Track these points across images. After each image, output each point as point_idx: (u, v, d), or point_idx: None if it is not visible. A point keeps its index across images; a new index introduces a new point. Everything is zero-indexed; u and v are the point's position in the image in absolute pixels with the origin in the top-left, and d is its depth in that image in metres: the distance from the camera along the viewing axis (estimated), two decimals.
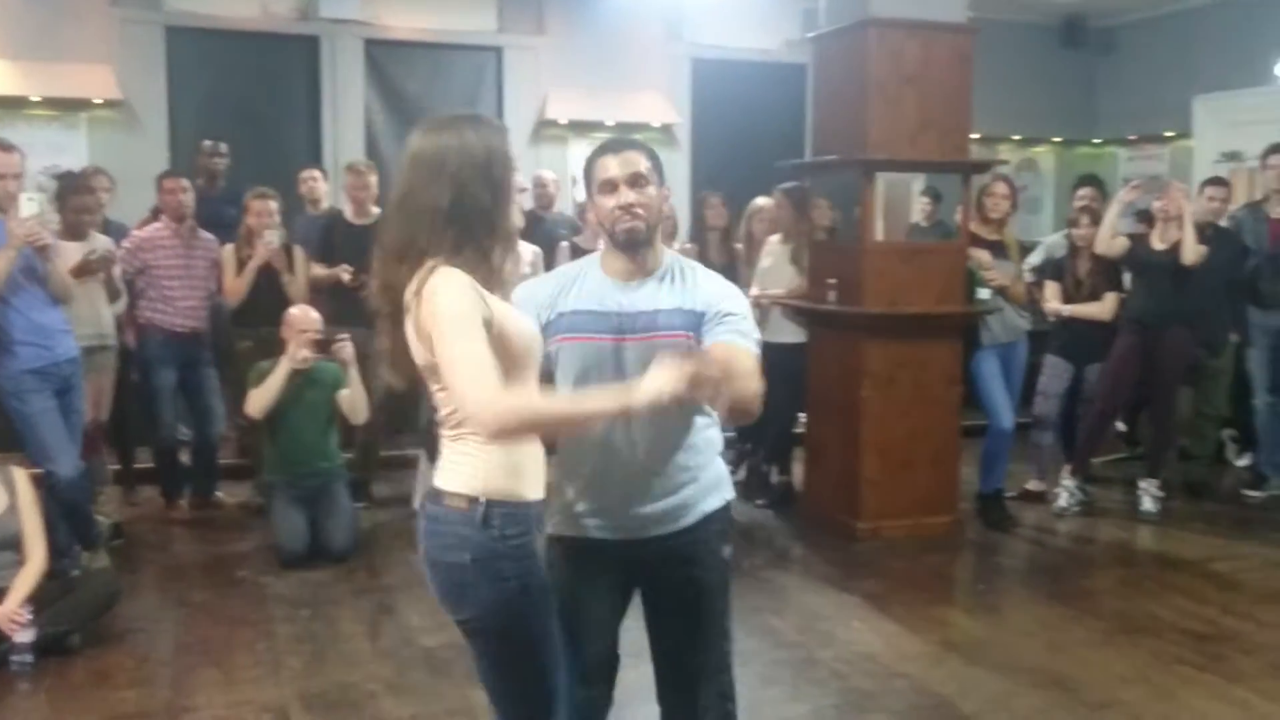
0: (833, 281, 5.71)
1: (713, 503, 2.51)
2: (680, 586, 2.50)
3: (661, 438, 2.41)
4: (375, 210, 6.24)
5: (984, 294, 5.74)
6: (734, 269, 6.42)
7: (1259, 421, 6.52)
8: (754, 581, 4.96)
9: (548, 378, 2.36)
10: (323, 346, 5.33)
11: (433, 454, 2.26)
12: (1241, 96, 8.95)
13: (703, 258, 6.14)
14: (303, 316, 5.37)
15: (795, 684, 3.91)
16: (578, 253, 6.77)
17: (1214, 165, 8.98)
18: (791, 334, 6.19)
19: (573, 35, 8.91)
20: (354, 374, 5.39)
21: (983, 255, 5.73)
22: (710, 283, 2.47)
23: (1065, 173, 9.68)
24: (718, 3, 9.01)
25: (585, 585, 2.47)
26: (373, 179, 6.30)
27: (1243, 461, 7.12)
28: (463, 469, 2.15)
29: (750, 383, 2.27)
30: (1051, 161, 10.61)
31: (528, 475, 2.19)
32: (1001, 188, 5.88)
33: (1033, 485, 6.43)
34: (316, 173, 7.27)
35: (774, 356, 6.32)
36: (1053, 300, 6.19)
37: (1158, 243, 5.90)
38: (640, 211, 2.38)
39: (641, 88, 9.10)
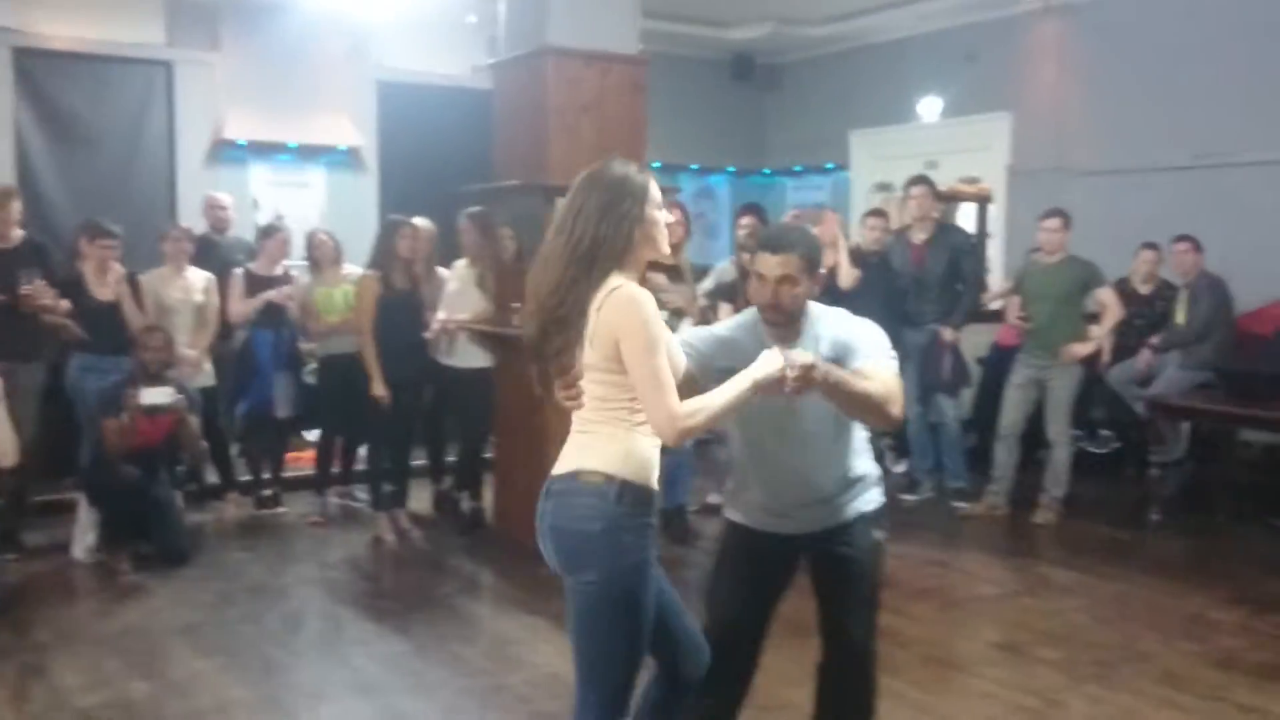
0: (517, 306, 5.75)
1: (864, 506, 3.05)
2: (834, 560, 3.05)
3: (819, 456, 2.95)
4: (18, 234, 5.74)
5: (661, 316, 5.93)
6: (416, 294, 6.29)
7: (909, 431, 7.09)
8: (444, 610, 4.88)
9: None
10: None
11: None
12: (890, 132, 9.80)
13: (386, 284, 6.02)
14: None
15: (481, 712, 3.90)
16: (252, 279, 6.51)
17: (868, 195, 9.76)
18: (478, 359, 6.19)
19: (250, 52, 8.56)
20: (1, 412, 4.93)
21: (660, 279, 5.94)
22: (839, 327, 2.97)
23: (740, 200, 10.15)
24: (403, 25, 8.92)
25: (745, 563, 3.08)
26: (15, 205, 5.76)
27: (899, 468, 7.75)
28: (603, 452, 2.49)
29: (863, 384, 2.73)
30: (727, 189, 11.20)
31: (653, 467, 2.54)
32: (676, 214, 6.13)
33: (712, 499, 6.70)
34: None
35: (461, 381, 6.42)
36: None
37: None
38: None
39: (326, 109, 8.87)
